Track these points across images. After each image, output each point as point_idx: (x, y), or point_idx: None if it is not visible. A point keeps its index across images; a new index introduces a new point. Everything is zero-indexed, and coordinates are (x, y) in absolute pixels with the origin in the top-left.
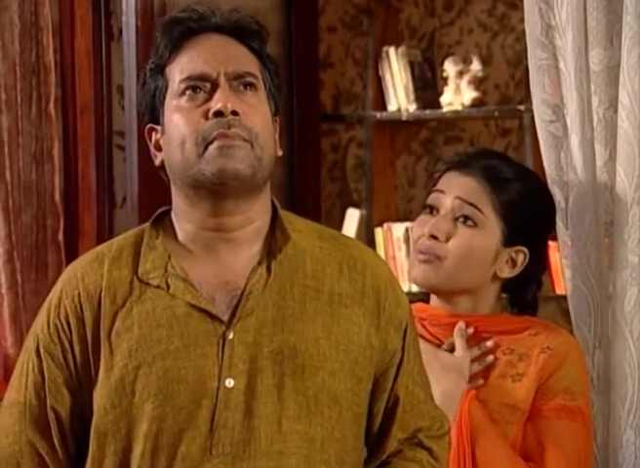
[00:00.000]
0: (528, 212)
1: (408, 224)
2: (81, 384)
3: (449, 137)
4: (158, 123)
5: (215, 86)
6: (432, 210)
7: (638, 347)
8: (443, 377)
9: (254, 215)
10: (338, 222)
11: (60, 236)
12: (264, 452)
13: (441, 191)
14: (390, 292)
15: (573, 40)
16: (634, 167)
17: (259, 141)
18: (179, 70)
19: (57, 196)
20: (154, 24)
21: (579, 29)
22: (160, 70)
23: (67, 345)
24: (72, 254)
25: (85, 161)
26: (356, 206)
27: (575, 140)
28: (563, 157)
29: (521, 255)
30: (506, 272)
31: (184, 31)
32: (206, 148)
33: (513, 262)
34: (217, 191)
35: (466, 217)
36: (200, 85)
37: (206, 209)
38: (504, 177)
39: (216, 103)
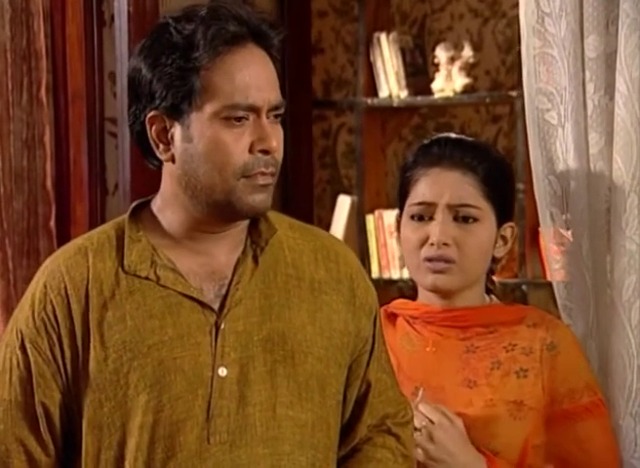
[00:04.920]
0: (505, 185)
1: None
2: (69, 378)
3: (439, 124)
4: (175, 117)
5: (258, 114)
6: (422, 217)
7: (637, 335)
8: (465, 447)
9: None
10: (328, 209)
11: (52, 223)
12: (260, 439)
13: (429, 204)
14: (361, 279)
15: (567, 27)
16: (631, 155)
17: (278, 170)
18: (222, 87)
19: (48, 183)
20: (146, 10)
21: (574, 16)
22: (196, 71)
23: (55, 339)
24: (64, 241)
25: (77, 148)
26: (347, 192)
27: (568, 128)
28: (559, 145)
29: (509, 230)
30: (502, 251)
31: (228, 40)
32: (241, 180)
33: (504, 239)
34: (230, 218)
35: (466, 217)
36: (244, 115)
37: (206, 220)
38: (477, 161)
39: (268, 142)
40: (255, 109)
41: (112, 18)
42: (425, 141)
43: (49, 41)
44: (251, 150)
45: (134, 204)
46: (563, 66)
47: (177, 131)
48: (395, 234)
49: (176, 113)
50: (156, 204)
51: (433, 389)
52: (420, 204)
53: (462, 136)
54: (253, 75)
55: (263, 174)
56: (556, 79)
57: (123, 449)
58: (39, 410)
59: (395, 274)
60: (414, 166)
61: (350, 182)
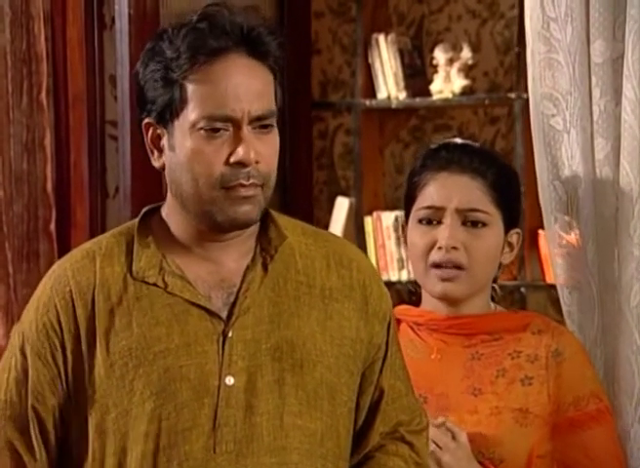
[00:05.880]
0: (512, 191)
1: (397, 213)
2: (69, 384)
3: (437, 125)
4: (163, 125)
5: (237, 126)
6: (430, 221)
7: None
8: (470, 466)
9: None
10: (325, 210)
11: (52, 226)
12: (267, 449)
13: (438, 208)
14: (375, 285)
15: (572, 32)
16: None
17: (270, 183)
18: (201, 97)
19: (48, 186)
20: (147, 13)
21: (580, 21)
22: (177, 81)
23: (57, 343)
24: (64, 245)
25: (77, 151)
26: (344, 193)
27: (574, 134)
28: (564, 151)
29: (515, 236)
30: (509, 257)
31: (207, 51)
32: (221, 191)
33: (510, 246)
34: (219, 229)
35: (475, 222)
36: (222, 126)
37: (204, 229)
38: (486, 166)
39: (242, 155)
40: (232, 120)
41: (113, 20)
42: (432, 146)
43: (49, 44)
44: (228, 162)
45: (145, 209)
46: (569, 72)
47: (165, 139)
48: (402, 239)
49: (163, 121)
50: (165, 210)
51: (437, 396)
52: (428, 208)
53: (469, 142)
54: (231, 86)
55: (243, 186)
56: (562, 84)
57: (128, 457)
58: (30, 414)
59: (394, 276)
60: (421, 170)
61: (348, 183)
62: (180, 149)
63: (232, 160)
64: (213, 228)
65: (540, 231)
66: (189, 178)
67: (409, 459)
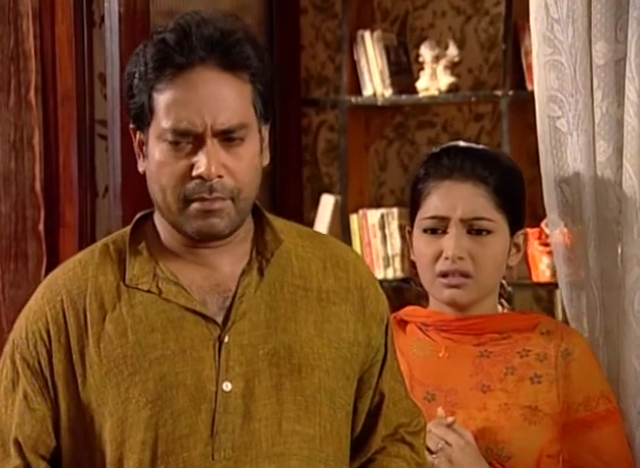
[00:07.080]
0: (516, 193)
1: (383, 210)
2: (57, 393)
3: (421, 122)
4: (141, 132)
5: (200, 139)
6: (435, 231)
7: None
8: (479, 463)
9: (236, 232)
10: (309, 207)
11: (41, 226)
12: (266, 455)
13: (442, 217)
14: (372, 288)
15: (574, 34)
16: None
17: (241, 196)
18: (165, 109)
19: (37, 186)
20: (137, 11)
21: (582, 22)
22: (146, 92)
23: (44, 353)
24: (53, 245)
25: (66, 150)
26: (327, 190)
27: (576, 136)
28: (569, 153)
29: (521, 237)
30: (515, 259)
31: (174, 66)
32: (186, 204)
33: (517, 247)
34: (191, 239)
35: (479, 230)
36: (184, 139)
37: (188, 239)
38: (488, 172)
39: (202, 170)
40: (193, 134)
41: (102, 18)
42: (435, 150)
43: (38, 41)
44: (190, 174)
45: (138, 215)
46: (570, 73)
47: (145, 146)
48: (408, 244)
49: (140, 129)
50: (155, 216)
51: (446, 393)
52: (432, 217)
53: (471, 145)
54: (195, 99)
55: (205, 199)
56: (565, 86)
57: (125, 466)
58: (13, 434)
59: (379, 274)
60: (425, 178)
61: (331, 180)
62: (151, 159)
63: (193, 174)
64: (187, 238)
65: (528, 229)
66: (158, 189)
67: (410, 460)
